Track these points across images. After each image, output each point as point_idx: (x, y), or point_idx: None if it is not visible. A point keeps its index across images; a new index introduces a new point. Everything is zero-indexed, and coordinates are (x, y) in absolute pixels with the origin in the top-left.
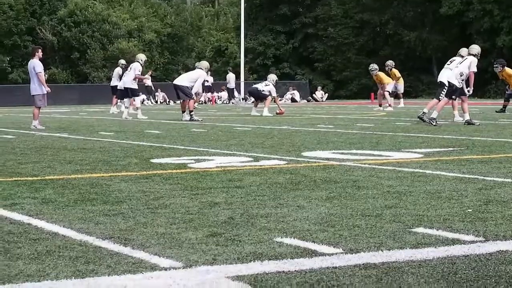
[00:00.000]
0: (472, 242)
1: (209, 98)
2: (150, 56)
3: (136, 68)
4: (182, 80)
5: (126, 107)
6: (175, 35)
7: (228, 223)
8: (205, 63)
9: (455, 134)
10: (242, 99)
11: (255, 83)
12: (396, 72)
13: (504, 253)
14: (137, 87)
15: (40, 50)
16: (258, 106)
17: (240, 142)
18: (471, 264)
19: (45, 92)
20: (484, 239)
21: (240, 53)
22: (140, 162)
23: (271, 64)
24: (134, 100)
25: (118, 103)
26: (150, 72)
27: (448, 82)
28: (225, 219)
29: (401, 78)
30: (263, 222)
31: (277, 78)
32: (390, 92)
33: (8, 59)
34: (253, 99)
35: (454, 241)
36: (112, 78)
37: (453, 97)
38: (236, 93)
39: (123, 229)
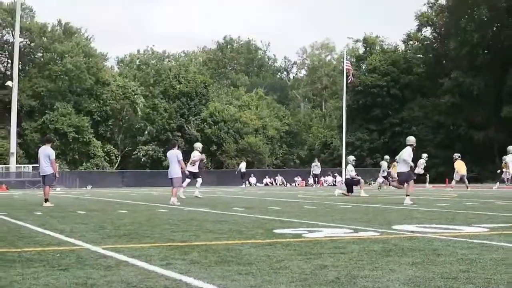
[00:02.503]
0: None
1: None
2: (272, 148)
3: (194, 155)
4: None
5: (196, 187)
6: (291, 132)
7: (335, 282)
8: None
9: None
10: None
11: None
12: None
13: None
14: (192, 171)
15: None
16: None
17: (343, 217)
18: None
19: (180, 175)
20: None
21: (342, 146)
22: (265, 232)
23: (366, 155)
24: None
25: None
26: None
27: None
28: (332, 278)
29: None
30: (363, 281)
31: (354, 158)
32: (458, 180)
33: (162, 150)
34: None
35: None
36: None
37: None
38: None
39: (253, 285)
